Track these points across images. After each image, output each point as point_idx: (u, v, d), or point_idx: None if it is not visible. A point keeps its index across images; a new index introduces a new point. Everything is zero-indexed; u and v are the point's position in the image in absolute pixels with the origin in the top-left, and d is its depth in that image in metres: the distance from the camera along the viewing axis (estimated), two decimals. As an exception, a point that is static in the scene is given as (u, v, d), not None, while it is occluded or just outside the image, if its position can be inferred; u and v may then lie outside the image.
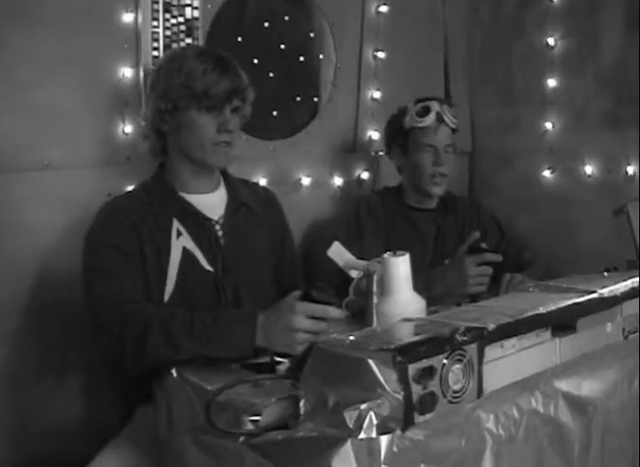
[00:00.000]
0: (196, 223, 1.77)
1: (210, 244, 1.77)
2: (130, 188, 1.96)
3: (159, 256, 1.71)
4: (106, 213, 1.75)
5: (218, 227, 1.80)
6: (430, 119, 2.20)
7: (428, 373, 1.07)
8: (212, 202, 1.82)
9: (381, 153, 2.55)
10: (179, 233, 1.75)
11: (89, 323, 1.68)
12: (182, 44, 2.18)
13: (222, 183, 1.88)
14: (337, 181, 2.60)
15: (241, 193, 1.89)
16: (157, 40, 2.13)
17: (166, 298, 1.70)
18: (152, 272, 1.70)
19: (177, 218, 1.76)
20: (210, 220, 1.79)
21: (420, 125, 2.21)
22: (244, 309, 1.68)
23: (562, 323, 1.34)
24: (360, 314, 1.67)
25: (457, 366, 1.11)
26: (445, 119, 2.21)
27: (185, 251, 1.74)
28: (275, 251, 1.94)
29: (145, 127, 1.85)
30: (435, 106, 2.21)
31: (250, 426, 1.14)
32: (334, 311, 1.43)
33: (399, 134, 2.29)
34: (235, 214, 1.84)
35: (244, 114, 1.82)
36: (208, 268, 1.76)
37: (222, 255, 1.77)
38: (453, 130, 2.26)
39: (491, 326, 1.17)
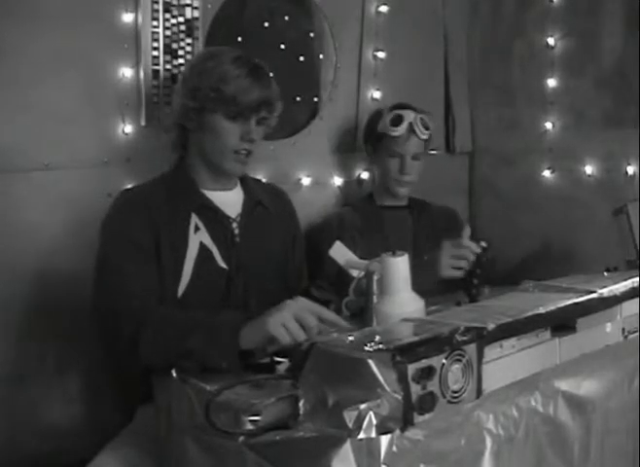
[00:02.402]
0: (215, 219, 1.78)
1: (226, 241, 1.78)
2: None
3: (175, 250, 1.71)
4: (123, 203, 1.75)
5: (235, 224, 1.81)
6: (402, 129, 2.26)
7: (427, 373, 1.07)
8: (230, 200, 1.83)
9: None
10: (197, 228, 1.75)
11: (88, 323, 1.68)
12: (182, 44, 2.18)
13: (238, 182, 1.89)
14: (338, 181, 2.60)
15: (257, 192, 1.90)
16: (157, 40, 2.13)
17: (180, 292, 1.70)
18: (167, 266, 1.69)
19: (196, 212, 1.76)
20: (228, 217, 1.80)
21: (392, 133, 2.27)
22: (233, 316, 1.58)
23: (562, 323, 1.34)
24: (360, 314, 1.67)
25: (456, 366, 1.11)
26: (416, 130, 2.27)
27: (202, 246, 1.74)
28: (287, 252, 1.94)
29: (169, 120, 1.86)
30: (409, 116, 2.27)
31: (250, 426, 1.14)
32: (333, 315, 1.43)
33: (372, 136, 2.37)
34: (252, 213, 1.85)
35: (269, 124, 1.83)
36: (223, 265, 1.76)
37: (237, 253, 1.78)
38: (425, 140, 2.32)
39: (491, 326, 1.17)
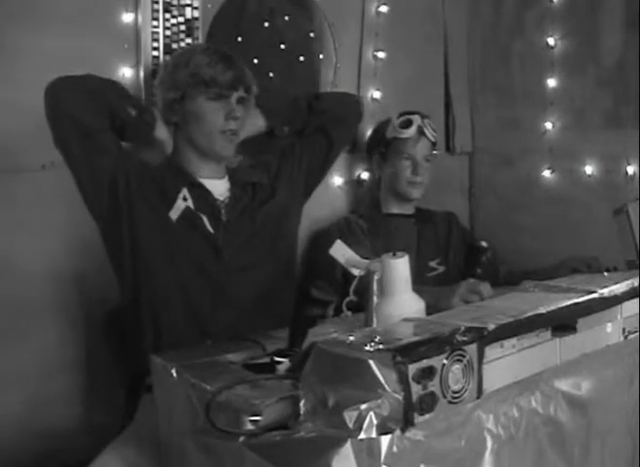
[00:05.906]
0: (202, 197, 1.84)
1: (214, 216, 1.84)
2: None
3: (162, 197, 1.81)
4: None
5: (223, 204, 1.87)
6: (411, 131, 2.36)
7: (428, 373, 1.07)
8: (219, 187, 1.89)
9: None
10: (185, 199, 1.82)
11: (90, 323, 1.68)
12: (182, 44, 2.18)
13: (226, 175, 1.94)
14: (338, 181, 2.60)
15: (247, 173, 1.97)
16: (157, 40, 2.13)
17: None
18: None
19: (186, 187, 1.83)
20: (215, 199, 1.87)
21: (402, 136, 2.37)
22: None
23: (562, 323, 1.34)
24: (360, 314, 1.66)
25: (457, 366, 1.11)
26: (426, 132, 2.37)
27: (187, 209, 1.81)
28: (288, 212, 2.01)
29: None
30: (417, 120, 2.37)
31: (250, 426, 1.14)
32: None
33: (380, 143, 2.44)
34: (241, 198, 1.90)
35: (248, 105, 1.90)
36: (210, 229, 1.83)
37: (223, 226, 1.84)
38: (433, 143, 2.42)
39: (491, 326, 1.17)
